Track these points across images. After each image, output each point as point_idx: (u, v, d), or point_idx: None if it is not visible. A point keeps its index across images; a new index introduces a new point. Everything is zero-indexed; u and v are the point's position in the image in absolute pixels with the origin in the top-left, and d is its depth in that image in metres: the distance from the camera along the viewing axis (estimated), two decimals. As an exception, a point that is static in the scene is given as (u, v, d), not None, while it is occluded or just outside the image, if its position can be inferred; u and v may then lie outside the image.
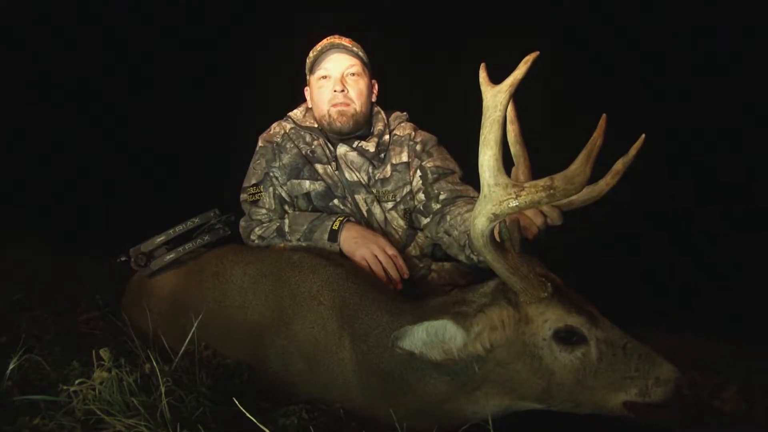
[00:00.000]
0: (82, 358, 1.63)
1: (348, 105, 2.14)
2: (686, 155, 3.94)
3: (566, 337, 1.32)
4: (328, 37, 2.19)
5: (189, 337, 1.66)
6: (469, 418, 1.45)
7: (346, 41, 2.17)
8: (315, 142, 2.24)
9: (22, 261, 3.23)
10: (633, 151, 1.37)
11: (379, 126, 2.26)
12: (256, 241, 2.21)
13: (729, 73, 3.88)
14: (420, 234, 2.19)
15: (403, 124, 2.29)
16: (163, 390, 1.35)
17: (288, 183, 2.23)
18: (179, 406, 1.38)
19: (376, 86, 2.32)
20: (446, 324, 1.33)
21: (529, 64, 1.19)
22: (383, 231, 2.16)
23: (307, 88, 2.31)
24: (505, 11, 4.27)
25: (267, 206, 2.25)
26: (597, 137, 1.19)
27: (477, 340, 1.32)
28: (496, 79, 1.24)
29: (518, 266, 1.32)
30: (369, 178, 2.20)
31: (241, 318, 1.80)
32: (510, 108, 1.57)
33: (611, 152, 1.37)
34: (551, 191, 1.19)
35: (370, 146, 2.21)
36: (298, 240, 2.08)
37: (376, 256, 1.93)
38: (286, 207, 2.26)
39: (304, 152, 2.24)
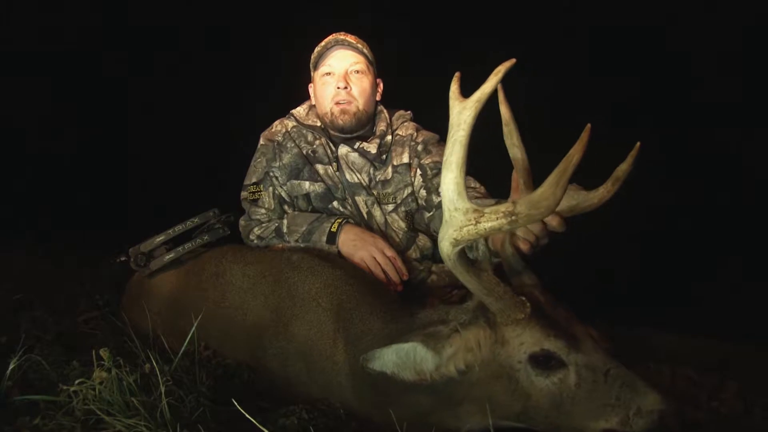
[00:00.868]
0: (82, 358, 1.63)
1: (350, 103, 2.13)
2: (686, 155, 3.94)
3: (543, 362, 1.28)
4: (334, 34, 2.18)
5: (189, 337, 1.66)
6: (460, 429, 1.43)
7: (351, 38, 2.16)
8: (317, 142, 2.24)
9: (22, 261, 3.23)
10: (630, 159, 1.33)
11: (381, 126, 2.25)
12: (255, 241, 2.21)
13: (727, 72, 3.88)
14: (421, 236, 2.19)
15: (406, 124, 2.28)
16: (163, 390, 1.35)
17: (288, 183, 2.23)
18: (179, 406, 1.38)
19: (381, 85, 2.31)
20: (416, 347, 1.30)
21: (500, 75, 1.09)
22: (383, 233, 2.16)
23: (311, 85, 2.29)
24: (508, 9, 4.27)
25: (266, 206, 2.24)
26: (574, 153, 1.06)
27: (450, 362, 1.29)
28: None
29: (493, 286, 1.27)
30: (370, 180, 2.20)
31: (241, 318, 1.80)
32: (504, 109, 1.50)
33: (612, 155, 1.36)
34: (513, 218, 1.10)
35: (372, 147, 2.20)
36: (297, 241, 2.07)
37: (375, 258, 1.92)
38: (286, 207, 2.25)
39: (305, 152, 2.24)
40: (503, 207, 1.12)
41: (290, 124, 2.30)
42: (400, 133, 2.25)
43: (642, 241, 3.81)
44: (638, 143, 1.33)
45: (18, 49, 4.75)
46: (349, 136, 2.22)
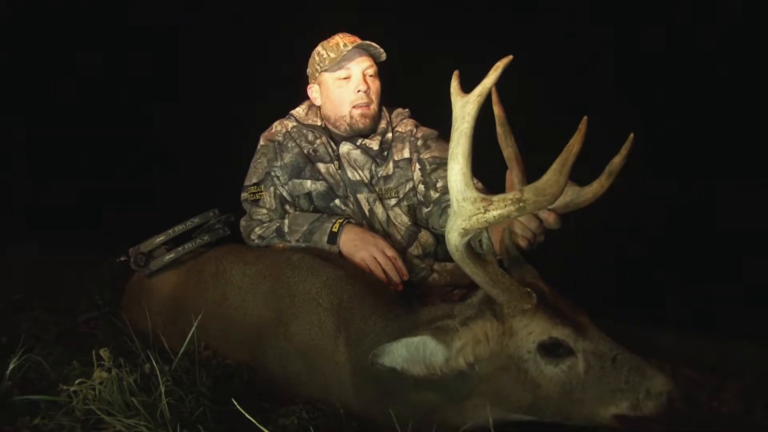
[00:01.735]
0: (82, 358, 1.63)
1: (369, 106, 2.15)
2: (685, 155, 3.94)
3: (552, 350, 1.29)
4: (342, 36, 2.15)
5: (189, 337, 1.66)
6: (462, 426, 1.43)
7: (359, 40, 2.14)
8: (317, 141, 2.24)
9: (22, 261, 3.23)
10: (623, 151, 1.33)
11: (382, 123, 2.26)
12: (256, 241, 2.21)
13: (723, 70, 3.88)
14: (423, 232, 2.19)
15: (405, 121, 2.29)
16: (163, 390, 1.35)
17: (289, 182, 2.23)
18: (179, 406, 1.38)
19: None
20: (425, 340, 1.31)
21: (500, 70, 1.13)
22: (385, 230, 2.16)
23: (311, 87, 2.29)
24: (507, 7, 4.28)
25: (268, 206, 2.24)
26: (573, 143, 1.12)
27: (460, 355, 1.30)
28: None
29: (499, 278, 1.28)
30: (372, 176, 2.20)
31: (241, 318, 1.80)
32: (498, 109, 1.52)
33: (605, 151, 1.36)
34: (521, 204, 1.14)
35: (374, 144, 2.21)
36: (298, 241, 2.08)
37: (375, 258, 1.92)
38: (287, 206, 2.25)
39: (306, 151, 2.24)
40: (511, 195, 1.16)
41: (290, 124, 2.31)
42: (400, 129, 2.27)
43: (641, 240, 3.81)
44: (631, 135, 1.32)
45: (18, 49, 4.76)
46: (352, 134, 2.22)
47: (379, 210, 2.18)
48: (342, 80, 2.15)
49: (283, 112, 2.36)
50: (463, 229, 1.19)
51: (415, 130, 2.26)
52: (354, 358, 1.54)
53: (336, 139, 2.25)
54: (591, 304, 1.43)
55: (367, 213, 2.18)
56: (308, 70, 2.28)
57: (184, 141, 4.74)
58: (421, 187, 2.15)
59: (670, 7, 3.85)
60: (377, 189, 2.20)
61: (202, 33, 4.96)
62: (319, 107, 2.29)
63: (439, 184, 2.08)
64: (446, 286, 2.15)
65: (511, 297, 1.30)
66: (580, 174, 1.29)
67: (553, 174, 1.12)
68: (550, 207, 1.39)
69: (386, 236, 2.11)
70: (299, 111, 2.33)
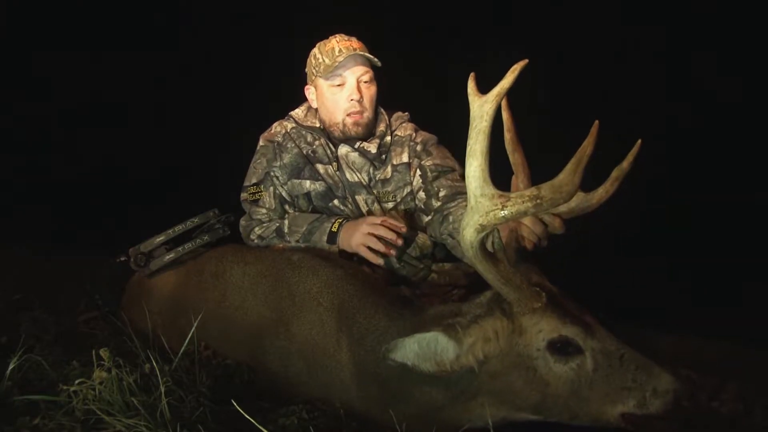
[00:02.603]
0: (82, 358, 1.63)
1: (362, 114, 2.14)
2: (686, 155, 3.94)
3: (561, 348, 1.30)
4: (339, 40, 2.12)
5: (189, 337, 1.66)
6: (467, 426, 1.44)
7: (356, 44, 2.12)
8: (316, 142, 2.24)
9: (22, 261, 3.23)
10: (630, 157, 1.35)
11: (380, 127, 2.26)
12: (256, 241, 2.21)
13: (727, 73, 3.89)
14: (421, 234, 2.19)
15: (404, 125, 2.29)
16: (163, 390, 1.35)
17: (289, 183, 2.23)
18: (179, 406, 1.38)
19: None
20: (437, 336, 1.32)
21: (516, 72, 1.17)
22: None
23: (308, 88, 2.28)
24: (506, 12, 4.28)
25: (267, 206, 2.25)
26: (587, 145, 1.18)
27: (470, 352, 1.31)
28: (493, 85, 1.22)
29: (510, 276, 1.31)
30: (370, 179, 2.20)
31: (241, 318, 1.80)
32: (506, 115, 1.55)
33: (610, 157, 1.37)
34: (538, 201, 1.18)
35: (372, 147, 2.21)
36: (297, 241, 2.08)
37: (367, 233, 1.91)
38: (287, 207, 2.25)
39: (305, 152, 2.24)
40: (528, 192, 1.19)
41: (289, 125, 2.31)
42: (399, 133, 2.26)
43: (642, 241, 3.81)
44: (639, 141, 1.34)
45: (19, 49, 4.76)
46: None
47: (377, 212, 2.18)
48: (336, 87, 2.13)
49: (283, 113, 2.36)
50: (480, 225, 1.22)
51: (414, 134, 2.25)
52: (357, 357, 1.54)
53: (334, 141, 2.25)
54: (591, 304, 1.44)
55: (365, 214, 2.18)
56: (306, 69, 2.28)
57: (184, 141, 4.74)
58: (422, 194, 2.14)
59: (670, 7, 3.85)
60: (375, 191, 2.20)
61: (202, 34, 4.97)
62: (316, 109, 2.29)
63: (441, 193, 2.06)
64: (445, 286, 2.15)
65: (522, 295, 1.32)
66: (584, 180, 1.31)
67: (568, 174, 1.17)
68: (554, 211, 1.41)
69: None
70: (298, 112, 2.33)
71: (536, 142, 1.75)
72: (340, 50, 2.08)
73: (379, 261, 1.90)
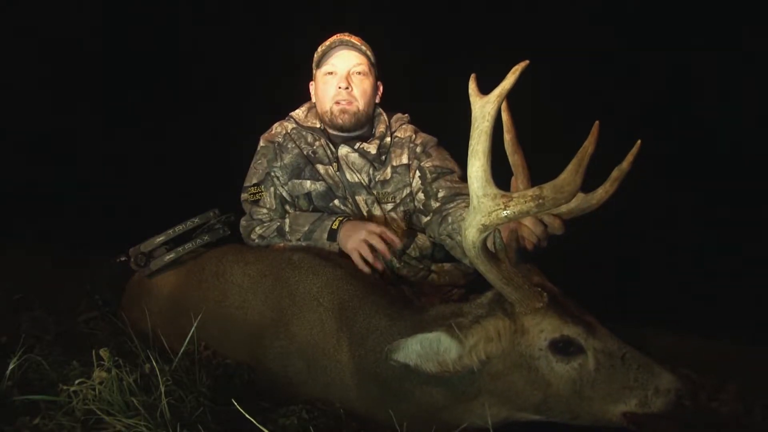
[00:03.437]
0: (82, 358, 1.63)
1: (351, 103, 2.14)
2: (685, 155, 3.94)
3: (563, 348, 1.31)
4: (338, 34, 2.19)
5: (189, 337, 1.66)
6: (467, 426, 1.44)
7: (355, 39, 2.16)
8: (317, 143, 2.24)
9: (22, 261, 3.23)
10: (630, 157, 1.36)
11: (380, 128, 2.26)
12: (257, 240, 2.21)
13: (726, 75, 3.89)
14: (420, 235, 2.19)
15: (404, 126, 2.29)
16: (163, 390, 1.35)
17: (289, 183, 2.24)
18: (179, 406, 1.38)
19: (381, 88, 2.31)
20: (440, 336, 1.32)
21: (517, 73, 1.17)
22: None
23: (312, 83, 2.30)
24: (506, 14, 4.28)
25: (268, 206, 2.25)
26: (588, 145, 1.19)
27: (472, 352, 1.31)
28: (493, 86, 1.22)
29: (512, 276, 1.31)
30: (370, 180, 2.20)
31: (241, 318, 1.80)
32: (506, 117, 1.56)
33: (610, 158, 1.37)
34: (540, 201, 1.18)
35: (372, 148, 2.21)
36: (298, 240, 2.08)
37: (362, 240, 1.90)
38: (287, 207, 2.26)
39: (305, 152, 2.24)
40: (530, 192, 1.19)
41: (290, 125, 2.31)
42: (399, 135, 2.27)
43: (642, 241, 3.81)
44: (639, 141, 1.35)
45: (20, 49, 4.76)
46: (348, 135, 2.23)
47: (377, 212, 2.18)
48: (328, 75, 2.17)
49: (283, 114, 2.37)
50: (482, 225, 1.22)
51: (414, 136, 2.25)
52: (357, 357, 1.54)
53: (335, 141, 2.25)
54: (591, 304, 1.44)
55: (365, 214, 2.18)
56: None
57: (184, 141, 4.74)
58: (421, 195, 2.15)
59: (670, 7, 3.86)
60: (375, 192, 2.20)
61: (203, 34, 4.97)
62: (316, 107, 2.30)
63: (440, 194, 2.07)
64: (445, 286, 2.15)
65: (523, 295, 1.32)
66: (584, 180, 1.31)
67: (570, 174, 1.18)
68: (555, 212, 1.41)
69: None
70: (299, 113, 2.34)
71: (536, 143, 1.75)
72: (333, 40, 2.15)
73: (366, 270, 1.89)
